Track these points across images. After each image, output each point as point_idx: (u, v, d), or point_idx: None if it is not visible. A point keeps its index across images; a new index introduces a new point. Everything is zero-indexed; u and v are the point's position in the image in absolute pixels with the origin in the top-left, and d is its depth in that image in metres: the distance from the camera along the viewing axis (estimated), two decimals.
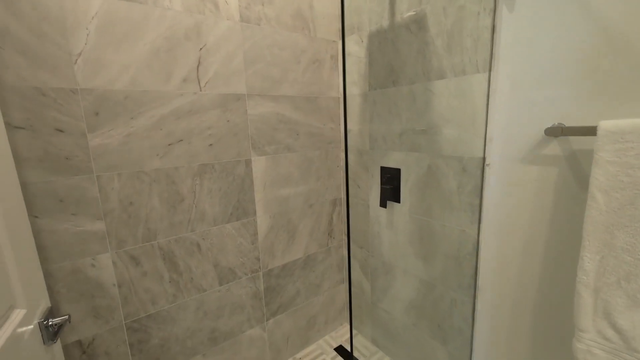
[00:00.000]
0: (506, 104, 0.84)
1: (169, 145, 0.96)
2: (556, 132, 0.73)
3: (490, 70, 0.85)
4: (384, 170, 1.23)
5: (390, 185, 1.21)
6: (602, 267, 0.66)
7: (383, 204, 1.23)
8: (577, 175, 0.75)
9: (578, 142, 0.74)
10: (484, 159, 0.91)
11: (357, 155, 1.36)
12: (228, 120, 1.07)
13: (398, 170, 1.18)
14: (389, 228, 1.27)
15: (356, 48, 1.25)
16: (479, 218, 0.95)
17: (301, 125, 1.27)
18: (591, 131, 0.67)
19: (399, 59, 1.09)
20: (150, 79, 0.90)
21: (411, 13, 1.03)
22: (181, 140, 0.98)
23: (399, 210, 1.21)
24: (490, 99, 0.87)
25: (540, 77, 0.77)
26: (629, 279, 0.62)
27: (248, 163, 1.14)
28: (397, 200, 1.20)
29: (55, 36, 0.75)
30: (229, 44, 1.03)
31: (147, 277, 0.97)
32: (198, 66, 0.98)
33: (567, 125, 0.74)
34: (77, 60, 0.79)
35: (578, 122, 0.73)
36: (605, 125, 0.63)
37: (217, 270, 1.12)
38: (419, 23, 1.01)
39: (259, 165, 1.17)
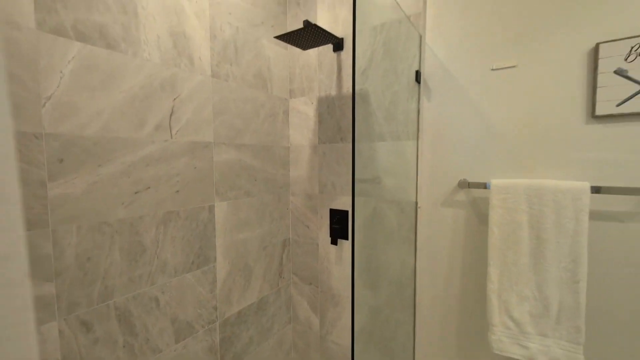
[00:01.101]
0: (429, 163, 1.17)
1: (136, 193, 0.91)
2: (464, 185, 1.07)
3: (417, 139, 1.18)
4: (334, 212, 1.42)
5: (340, 225, 1.39)
6: (501, 277, 0.97)
7: (334, 242, 1.39)
8: (477, 214, 1.09)
9: (476, 192, 1.09)
10: (416, 203, 1.20)
11: (306, 198, 1.51)
12: (195, 167, 1.08)
13: (346, 212, 1.38)
14: (338, 264, 1.43)
15: (306, 108, 1.47)
16: (415, 249, 1.21)
17: (259, 171, 1.35)
18: (485, 186, 1.01)
19: (346, 121, 1.35)
20: (123, 125, 0.87)
21: (356, 88, 1.31)
22: (149, 187, 0.94)
23: (348, 247, 1.39)
24: (418, 159, 1.18)
25: (451, 146, 1.12)
26: (516, 283, 0.94)
27: (211, 209, 1.15)
28: (345, 237, 1.39)
29: (24, 77, 0.68)
30: (201, 96, 1.08)
31: (99, 345, 0.83)
32: (171, 115, 0.99)
33: (469, 180, 1.09)
34: (45, 103, 0.72)
35: (475, 178, 1.08)
36: (494, 182, 0.98)
37: (175, 326, 1.04)
38: (362, 97, 1.30)
39: (221, 210, 1.19)
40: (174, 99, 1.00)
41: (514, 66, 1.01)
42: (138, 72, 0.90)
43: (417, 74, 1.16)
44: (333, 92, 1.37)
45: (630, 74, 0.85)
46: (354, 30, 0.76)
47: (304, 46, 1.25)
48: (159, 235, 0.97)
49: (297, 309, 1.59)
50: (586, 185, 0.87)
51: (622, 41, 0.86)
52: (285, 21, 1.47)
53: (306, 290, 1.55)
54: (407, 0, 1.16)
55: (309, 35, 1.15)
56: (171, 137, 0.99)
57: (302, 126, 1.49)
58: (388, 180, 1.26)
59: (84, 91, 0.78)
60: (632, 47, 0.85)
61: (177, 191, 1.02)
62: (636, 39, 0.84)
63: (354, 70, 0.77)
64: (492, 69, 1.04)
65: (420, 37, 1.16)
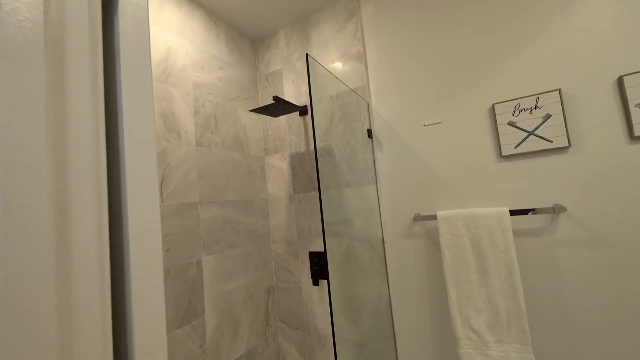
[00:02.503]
0: (389, 203, 1.38)
1: None
2: (417, 218, 1.28)
3: (376, 183, 1.40)
4: (313, 255, 1.55)
5: (319, 266, 1.52)
6: (458, 294, 1.14)
7: (315, 283, 1.51)
8: (432, 242, 1.29)
9: (429, 223, 1.30)
10: (382, 238, 1.38)
11: (286, 244, 1.64)
12: (184, 226, 1.20)
13: (324, 253, 1.52)
14: (321, 303, 1.53)
15: (280, 163, 1.67)
16: (387, 279, 1.37)
17: (241, 223, 1.49)
18: (434, 217, 1.23)
19: (315, 173, 1.56)
20: None
21: (321, 145, 1.55)
22: None
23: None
24: (380, 200, 1.40)
25: (403, 187, 1.35)
26: (471, 297, 1.12)
27: (199, 263, 1.24)
28: (326, 277, 1.51)
29: None
30: (187, 163, 1.25)
31: None
32: (162, 182, 1.13)
33: (421, 214, 1.31)
34: None
35: (426, 212, 1.30)
36: (440, 214, 1.20)
37: None
38: (328, 151, 1.53)
39: (209, 263, 1.28)
40: (164, 168, 1.15)
41: (439, 122, 1.30)
42: None
43: (369, 132, 1.42)
44: (302, 149, 1.60)
45: (518, 125, 1.16)
46: (310, 102, 0.98)
47: (275, 114, 1.49)
48: None
49: (286, 356, 1.61)
50: (505, 209, 1.11)
51: (508, 102, 1.18)
52: (257, 93, 1.73)
53: (294, 336, 1.60)
54: (354, 76, 1.47)
55: (278, 107, 1.39)
56: (162, 201, 1.12)
57: (278, 179, 1.67)
58: (357, 221, 1.44)
59: None
60: (515, 106, 1.17)
61: (168, 250, 1.12)
62: (517, 100, 1.17)
63: (314, 132, 0.99)
64: (425, 125, 1.33)
65: (368, 103, 1.46)
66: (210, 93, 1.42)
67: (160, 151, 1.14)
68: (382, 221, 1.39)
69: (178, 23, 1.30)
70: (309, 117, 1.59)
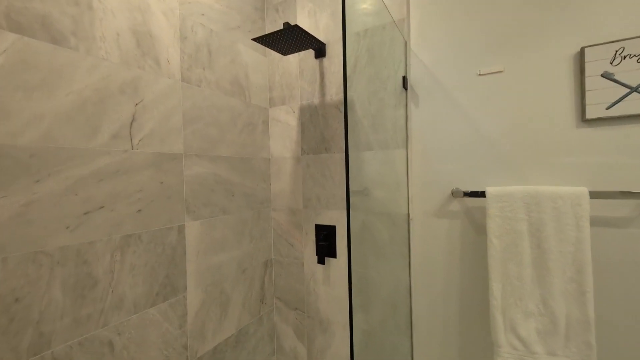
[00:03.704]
0: (420, 172, 1.10)
1: (85, 214, 0.75)
2: (458, 194, 1.01)
3: (407, 147, 1.12)
4: (320, 228, 1.31)
5: (327, 242, 1.28)
6: (504, 292, 0.90)
7: (321, 261, 1.28)
8: (473, 224, 1.03)
9: (471, 201, 1.03)
10: (408, 214, 1.13)
11: (289, 214, 1.40)
12: (162, 182, 0.94)
13: (333, 227, 1.28)
14: (326, 284, 1.31)
15: (287, 117, 1.38)
16: (409, 264, 1.13)
17: (236, 185, 1.23)
18: (482, 194, 0.96)
19: (330, 131, 1.27)
20: (70, 134, 0.72)
21: (338, 97, 1.24)
22: (102, 207, 0.79)
23: (336, 265, 1.28)
24: (409, 168, 1.12)
25: (442, 154, 1.07)
26: (521, 298, 0.88)
27: (181, 229, 1.00)
28: (334, 255, 1.28)
29: None
30: (168, 102, 0.96)
31: None
32: (132, 122, 0.86)
33: (462, 189, 1.03)
34: None
35: (469, 187, 1.03)
36: (490, 190, 0.93)
37: None
38: (348, 105, 1.23)
39: (193, 230, 1.04)
40: (136, 104, 0.87)
41: (500, 71, 0.99)
42: (92, 72, 0.77)
43: (404, 80, 1.11)
44: (316, 101, 1.29)
45: (617, 77, 0.85)
46: (343, 27, 0.68)
47: (284, 51, 1.18)
48: (114, 264, 0.81)
49: (282, 338, 1.43)
50: (584, 190, 0.83)
51: (606, 45, 0.86)
52: (263, 27, 1.40)
53: (291, 316, 1.41)
54: (391, 7, 1.13)
55: (289, 39, 1.07)
56: (132, 148, 0.86)
57: (283, 136, 1.39)
58: (377, 192, 1.18)
59: (17, 91, 0.64)
60: (616, 51, 0.85)
61: (139, 210, 0.87)
62: (619, 42, 0.84)
63: (345, 70, 0.69)
64: (479, 74, 1.02)
65: (406, 42, 1.13)
66: (203, 15, 1.09)
67: (129, 80, 0.85)
68: (410, 194, 1.12)
69: None
70: (326, 60, 1.27)
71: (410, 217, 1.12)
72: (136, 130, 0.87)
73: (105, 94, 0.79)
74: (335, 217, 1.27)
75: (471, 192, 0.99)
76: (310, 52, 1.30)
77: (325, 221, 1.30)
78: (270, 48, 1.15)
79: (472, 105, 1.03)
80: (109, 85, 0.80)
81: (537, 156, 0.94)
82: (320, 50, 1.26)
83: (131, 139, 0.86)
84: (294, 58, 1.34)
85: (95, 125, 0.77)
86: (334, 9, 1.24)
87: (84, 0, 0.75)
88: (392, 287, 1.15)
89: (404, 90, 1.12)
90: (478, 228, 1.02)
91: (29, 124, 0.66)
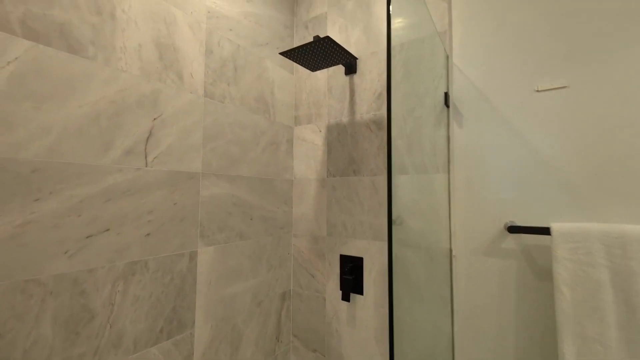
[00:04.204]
0: (465, 201, 0.95)
1: (88, 237, 0.68)
2: (513, 228, 0.84)
3: (449, 171, 0.98)
4: (345, 259, 1.17)
5: (353, 275, 1.14)
6: (580, 356, 0.71)
7: (346, 297, 1.13)
8: (533, 267, 0.85)
9: (530, 239, 0.86)
10: (450, 250, 0.97)
11: (311, 241, 1.27)
12: (175, 203, 0.86)
13: (361, 259, 1.14)
14: (351, 325, 1.15)
15: (313, 136, 1.29)
16: (452, 310, 0.95)
17: (255, 208, 1.13)
18: (545, 231, 0.79)
19: (360, 152, 1.16)
20: (79, 148, 0.66)
21: (369, 115, 1.14)
22: (107, 230, 0.71)
23: (362, 304, 1.12)
24: (451, 196, 0.97)
25: (492, 181, 0.92)
26: None
27: (193, 256, 0.90)
28: (360, 291, 1.13)
29: None
30: (189, 118, 0.90)
31: None
32: (148, 138, 0.79)
33: (518, 223, 0.87)
34: None
35: (525, 221, 0.86)
36: (557, 227, 0.76)
37: None
38: (378, 124, 1.12)
39: (206, 257, 0.94)
40: (154, 119, 0.81)
41: (564, 87, 0.85)
42: (109, 83, 0.72)
43: (446, 97, 0.99)
44: (345, 119, 1.20)
45: None
46: (388, 32, 0.59)
47: (313, 66, 1.10)
48: (114, 296, 0.72)
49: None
50: None
51: None
52: (291, 44, 1.35)
53: (310, 358, 1.24)
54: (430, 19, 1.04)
55: (319, 53, 1.00)
56: (146, 165, 0.79)
57: (308, 156, 1.30)
58: (413, 221, 1.03)
59: (25, 101, 0.59)
60: None
61: (148, 234, 0.79)
62: None
63: (389, 79, 0.59)
64: (537, 91, 0.88)
65: (447, 56, 1.02)
66: (231, 30, 1.05)
67: (149, 93, 0.80)
68: (452, 226, 0.97)
69: None
70: (357, 76, 1.18)
71: (453, 254, 0.96)
72: (152, 146, 0.80)
73: (122, 107, 0.74)
74: (363, 248, 1.13)
75: (530, 227, 0.83)
76: (339, 69, 1.22)
77: (351, 252, 1.16)
78: (299, 63, 1.08)
79: (529, 126, 0.88)
80: (127, 97, 0.75)
81: (617, 186, 0.77)
82: (350, 66, 1.18)
83: (146, 156, 0.79)
84: (322, 75, 1.27)
85: (108, 140, 0.71)
86: (366, 23, 1.17)
87: (107, 9, 0.71)
88: (431, 337, 0.98)
89: (445, 107, 1.00)
90: (541, 272, 0.84)
91: (35, 136, 0.60)
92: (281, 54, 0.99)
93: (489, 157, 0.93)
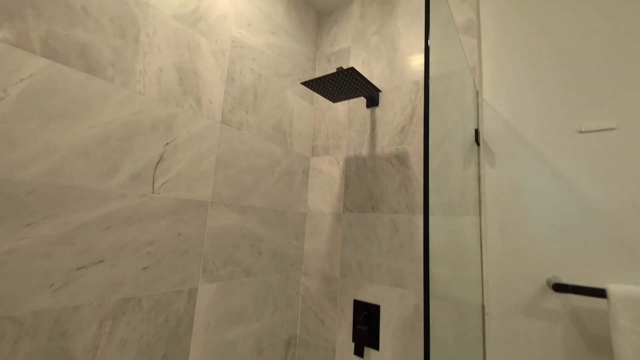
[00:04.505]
0: (499, 249, 0.84)
1: (79, 269, 0.61)
2: (558, 286, 0.72)
3: (480, 214, 0.88)
4: (360, 306, 1.05)
5: (367, 325, 1.01)
6: None
7: (358, 351, 0.99)
8: (583, 334, 0.72)
9: (580, 300, 0.73)
10: (482, 306, 0.84)
11: (322, 281, 1.16)
12: (179, 234, 0.79)
13: (377, 308, 1.01)
14: None
15: (330, 168, 1.23)
16: None
17: (265, 242, 1.05)
18: (598, 293, 0.67)
19: (379, 187, 1.08)
20: (83, 170, 0.62)
21: (391, 149, 1.08)
22: (101, 261, 0.64)
23: None
24: (483, 242, 0.87)
25: (530, 228, 0.81)
26: None
27: (192, 294, 0.82)
28: (376, 346, 0.99)
29: None
30: (203, 143, 0.86)
31: None
32: (158, 163, 0.75)
33: (564, 280, 0.75)
34: None
35: (573, 278, 0.74)
36: (615, 290, 0.64)
37: None
38: (400, 159, 1.06)
39: (207, 296, 0.85)
40: (167, 144, 0.77)
41: (612, 129, 0.76)
42: (124, 105, 0.69)
43: (476, 134, 0.92)
44: (364, 152, 1.14)
45: None
46: (426, 50, 0.54)
47: (334, 97, 1.07)
48: (100, 338, 0.63)
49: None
50: None
51: None
52: (313, 76, 1.35)
53: None
54: (460, 54, 1.00)
55: (341, 84, 0.97)
56: (152, 192, 0.74)
57: (324, 189, 1.23)
58: (437, 269, 0.92)
59: (33, 119, 0.56)
60: None
61: (145, 268, 0.72)
62: None
63: (427, 106, 0.53)
64: (580, 132, 0.80)
65: (477, 92, 0.97)
66: (254, 59, 1.05)
67: (164, 117, 0.77)
68: (485, 278, 0.85)
69: None
70: (379, 109, 1.14)
71: (486, 311, 0.84)
72: (161, 171, 0.76)
73: (135, 130, 0.71)
74: (380, 294, 1.01)
75: (580, 287, 0.70)
76: (361, 101, 1.19)
77: (367, 297, 1.04)
78: (320, 93, 1.05)
79: (573, 169, 0.79)
80: (141, 120, 0.72)
81: None
82: (372, 99, 1.14)
83: (153, 182, 0.74)
84: (342, 107, 1.24)
85: (115, 164, 0.67)
86: (390, 58, 1.15)
87: (131, 32, 0.71)
88: None
89: (475, 145, 0.93)
90: (594, 341, 0.71)
91: (37, 156, 0.56)
92: (303, 83, 0.96)
93: (527, 200, 0.83)
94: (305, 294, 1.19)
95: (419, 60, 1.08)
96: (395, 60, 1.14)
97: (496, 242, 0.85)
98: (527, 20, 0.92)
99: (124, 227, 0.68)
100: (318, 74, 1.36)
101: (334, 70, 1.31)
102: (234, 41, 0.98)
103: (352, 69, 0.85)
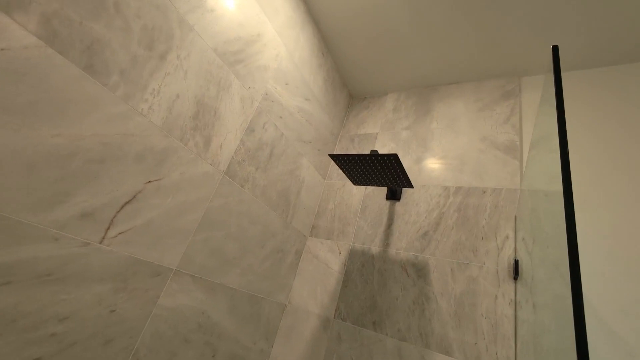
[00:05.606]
0: None
1: None
2: None
3: None
4: None
5: None
6: None
7: None
8: None
9: None
10: None
11: None
12: (113, 310, 0.54)
13: None
14: None
15: (329, 256, 1.03)
16: None
17: (225, 340, 0.77)
18: None
19: (387, 298, 0.88)
20: (17, 189, 0.41)
21: (407, 255, 0.91)
22: None
23: None
24: None
25: None
26: None
27: None
28: None
29: None
30: (195, 193, 0.68)
31: None
32: (127, 203, 0.55)
33: None
34: None
35: None
36: None
37: None
38: (418, 270, 0.88)
39: None
40: (149, 182, 0.58)
41: None
42: (114, 121, 0.53)
43: (516, 265, 0.78)
44: (375, 249, 0.97)
45: None
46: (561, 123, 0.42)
47: (357, 179, 0.95)
48: None
49: None
50: None
51: None
52: (333, 151, 1.26)
53: None
54: (497, 172, 0.94)
55: (371, 168, 0.86)
56: (101, 241, 0.52)
57: (315, 280, 1.00)
58: None
59: None
60: None
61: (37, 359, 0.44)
62: None
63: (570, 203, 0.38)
64: None
65: (515, 217, 0.86)
66: (281, 117, 0.95)
67: (159, 149, 0.60)
68: None
69: (284, 19, 0.96)
70: (400, 204, 1.02)
71: None
72: (126, 215, 0.55)
73: (114, 154, 0.53)
74: None
75: None
76: (380, 190, 1.07)
77: None
78: (343, 170, 0.93)
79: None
80: (127, 145, 0.55)
81: None
82: (394, 192, 1.03)
83: (109, 227, 0.53)
84: (358, 190, 1.12)
85: (66, 191, 0.47)
86: (420, 155, 1.08)
87: (161, 47, 0.59)
88: None
89: (511, 279, 0.77)
90: None
91: None
92: (331, 155, 0.84)
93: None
94: None
95: (453, 165, 1.00)
96: (424, 159, 1.07)
97: None
98: (589, 141, 0.88)
99: (33, 288, 0.44)
100: (337, 150, 1.28)
101: (354, 151, 1.23)
102: (267, 94, 0.89)
103: (395, 156, 0.74)
